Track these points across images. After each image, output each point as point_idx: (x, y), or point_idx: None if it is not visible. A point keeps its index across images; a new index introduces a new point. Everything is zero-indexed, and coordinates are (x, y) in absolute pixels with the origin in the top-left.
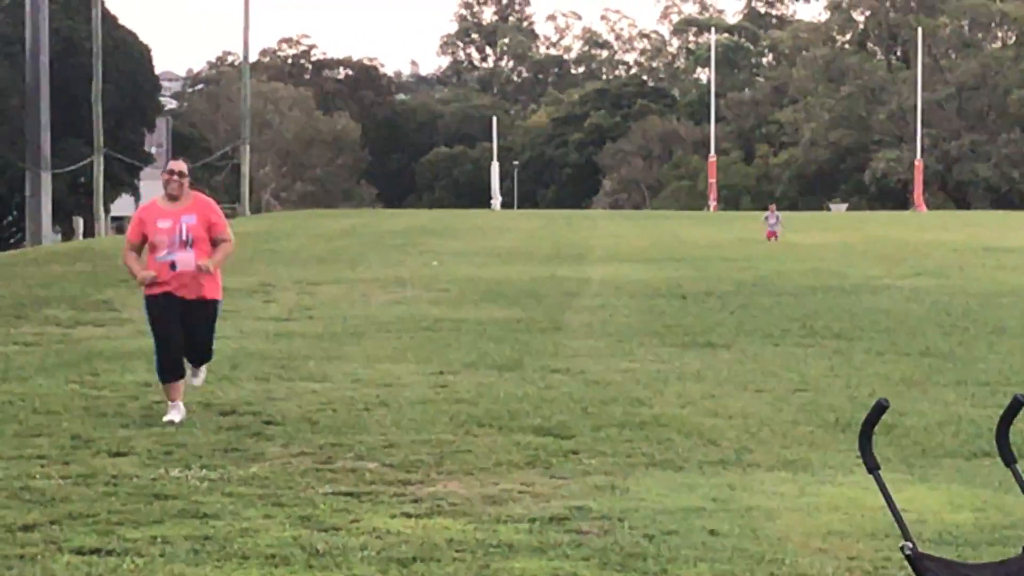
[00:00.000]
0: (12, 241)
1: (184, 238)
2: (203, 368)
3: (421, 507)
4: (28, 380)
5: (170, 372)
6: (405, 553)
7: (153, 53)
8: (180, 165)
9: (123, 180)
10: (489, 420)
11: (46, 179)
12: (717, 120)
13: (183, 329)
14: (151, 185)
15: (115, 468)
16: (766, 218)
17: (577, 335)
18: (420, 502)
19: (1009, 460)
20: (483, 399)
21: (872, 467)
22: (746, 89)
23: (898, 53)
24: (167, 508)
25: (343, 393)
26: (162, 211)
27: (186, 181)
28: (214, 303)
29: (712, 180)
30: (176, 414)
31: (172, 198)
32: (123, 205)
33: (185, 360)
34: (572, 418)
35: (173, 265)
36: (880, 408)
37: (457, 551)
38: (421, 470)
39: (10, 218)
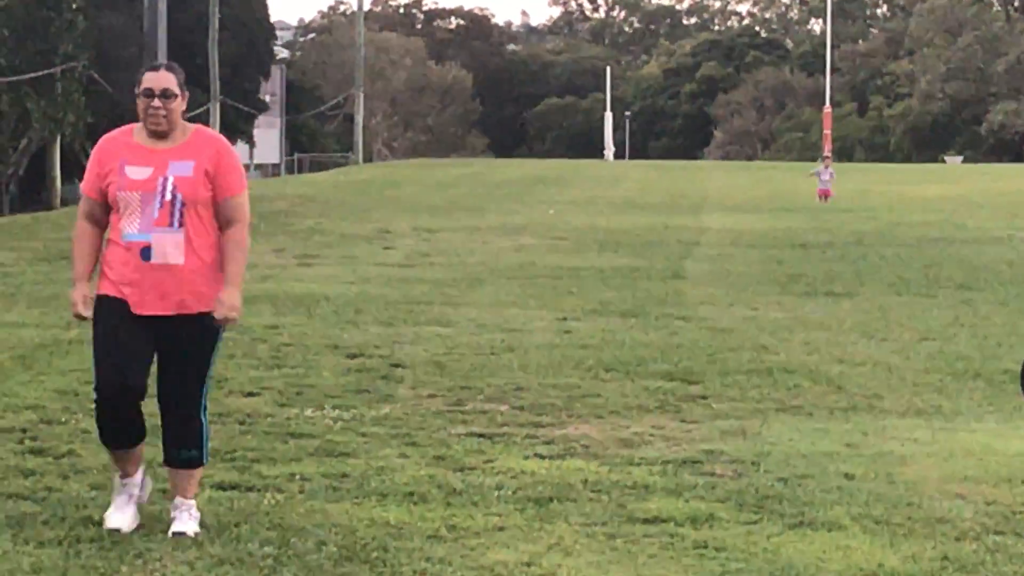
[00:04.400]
0: None
1: (169, 200)
2: (191, 500)
3: (554, 449)
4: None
5: (116, 433)
6: (541, 493)
7: (267, 1)
8: (165, 78)
9: (238, 128)
10: (616, 365)
11: None
12: (831, 71)
13: (146, 363)
14: (265, 133)
15: (249, 407)
16: (817, 173)
17: (698, 283)
18: (553, 444)
19: None
20: (608, 345)
21: None
22: (860, 40)
23: (1016, 3)
24: (303, 446)
25: (468, 338)
26: (136, 150)
27: (176, 106)
28: (211, 321)
29: (827, 131)
30: (121, 514)
31: (155, 135)
32: (239, 153)
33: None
34: (699, 364)
35: (146, 253)
36: None
37: (593, 491)
38: (551, 413)
39: None
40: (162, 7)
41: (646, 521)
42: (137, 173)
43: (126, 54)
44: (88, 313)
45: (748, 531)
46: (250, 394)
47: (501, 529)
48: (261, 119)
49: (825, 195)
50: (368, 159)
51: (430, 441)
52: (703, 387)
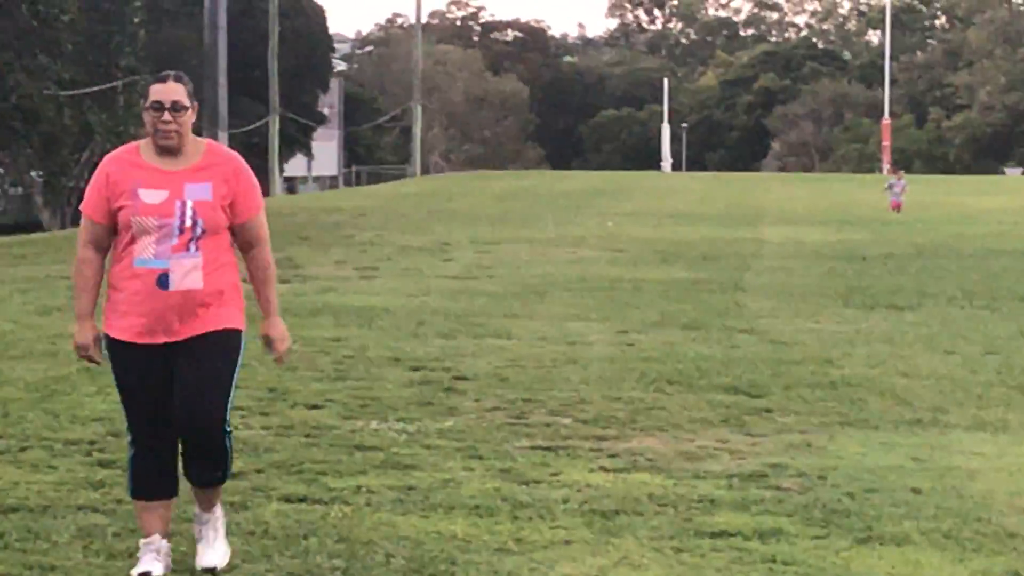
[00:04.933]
0: None
1: (189, 226)
2: (215, 512)
3: (618, 462)
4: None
5: (151, 484)
6: (607, 506)
7: (326, 14)
8: (174, 90)
9: (297, 140)
10: (678, 378)
11: (223, 139)
12: (889, 83)
13: (167, 399)
14: (323, 145)
15: (313, 420)
16: (890, 186)
17: (758, 296)
18: (617, 457)
19: None
20: (670, 358)
21: None
22: (918, 52)
23: None
24: (369, 459)
25: (530, 350)
26: (148, 171)
27: (187, 119)
28: (231, 338)
29: (886, 143)
30: (154, 561)
31: (166, 151)
32: (296, 165)
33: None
34: (762, 377)
35: (163, 280)
36: None
37: (659, 505)
38: (615, 426)
39: None
40: (222, 21)
41: (713, 535)
42: (152, 196)
43: (187, 67)
44: (99, 357)
45: (816, 545)
46: (314, 406)
47: (568, 543)
48: (319, 131)
49: (897, 207)
50: (425, 171)
51: (494, 454)
52: (767, 400)
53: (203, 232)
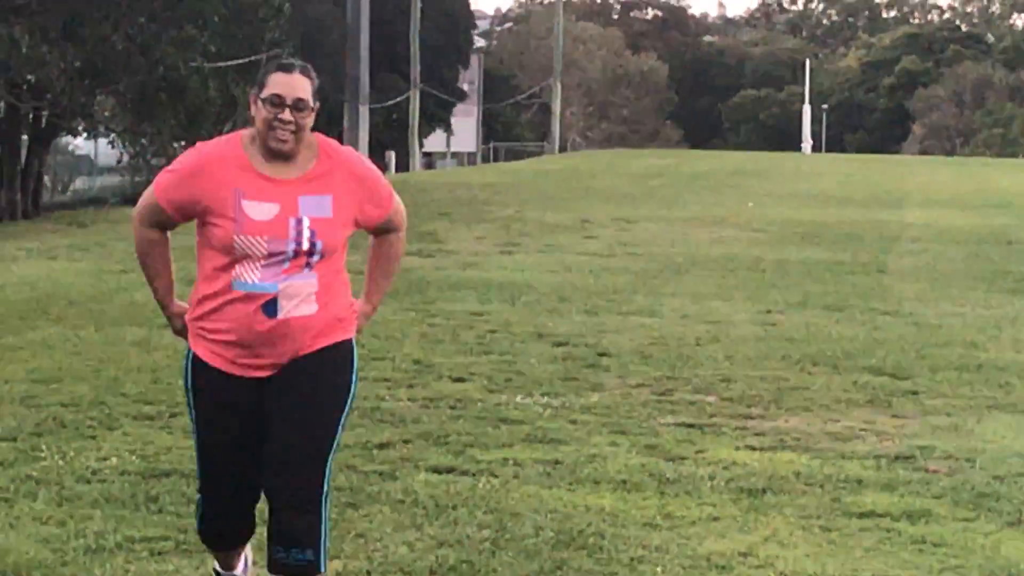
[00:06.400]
0: None
1: (306, 249)
2: None
3: (764, 440)
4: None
5: (225, 538)
6: (754, 484)
7: None
8: (299, 84)
9: (437, 116)
10: (823, 359)
11: (364, 113)
12: None
13: (258, 439)
14: (462, 122)
15: (459, 392)
16: None
17: (902, 278)
18: (763, 436)
19: None
20: (814, 338)
21: None
22: None
23: None
24: (515, 432)
25: (673, 328)
26: (253, 178)
27: (309, 121)
28: (340, 358)
29: None
30: None
31: (278, 155)
32: (436, 141)
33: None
34: (907, 360)
35: (270, 308)
36: None
37: (806, 484)
38: (760, 405)
39: None
40: None
41: (861, 515)
42: (260, 211)
43: (329, 42)
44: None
45: (965, 528)
46: (459, 379)
47: (716, 519)
48: (459, 108)
49: None
50: (563, 149)
51: (640, 430)
52: (912, 383)
53: (321, 255)
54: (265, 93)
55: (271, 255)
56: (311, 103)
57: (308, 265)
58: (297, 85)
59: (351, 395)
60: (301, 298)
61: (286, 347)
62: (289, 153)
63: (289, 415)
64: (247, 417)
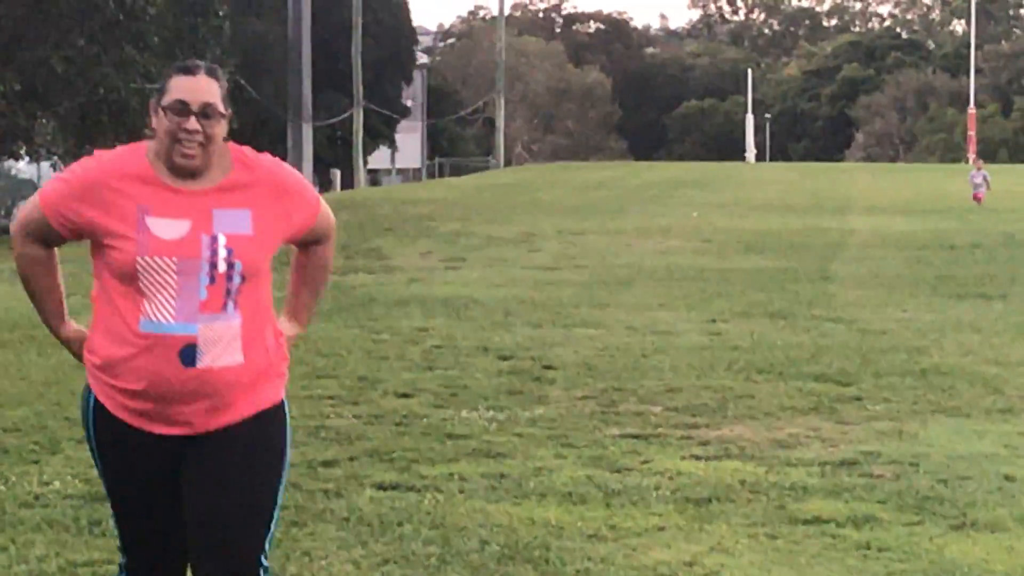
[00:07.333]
0: None
1: (223, 272)
2: None
3: (710, 450)
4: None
5: None
6: (700, 493)
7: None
8: (206, 88)
9: (381, 132)
10: (767, 367)
11: (307, 131)
12: (974, 72)
13: (178, 509)
14: (407, 138)
15: (404, 408)
16: (971, 177)
17: (846, 285)
18: (708, 445)
19: None
20: (759, 347)
21: None
22: (1003, 41)
23: None
24: (460, 447)
25: (618, 339)
26: (159, 191)
27: (220, 130)
28: (273, 425)
29: (971, 133)
30: None
31: (184, 172)
32: (380, 157)
33: None
34: (851, 366)
35: (188, 355)
36: None
37: (751, 492)
38: (705, 414)
39: None
40: (306, 14)
41: (807, 522)
42: (168, 229)
43: (271, 60)
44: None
45: (910, 532)
46: (404, 395)
47: (661, 529)
48: (403, 124)
49: (977, 199)
50: (508, 163)
51: (585, 442)
52: (857, 388)
53: (242, 278)
54: (166, 100)
55: (183, 283)
56: (221, 109)
57: (228, 294)
58: (203, 89)
59: (286, 467)
60: (224, 343)
61: (205, 403)
62: (197, 169)
63: (218, 493)
64: (164, 480)
